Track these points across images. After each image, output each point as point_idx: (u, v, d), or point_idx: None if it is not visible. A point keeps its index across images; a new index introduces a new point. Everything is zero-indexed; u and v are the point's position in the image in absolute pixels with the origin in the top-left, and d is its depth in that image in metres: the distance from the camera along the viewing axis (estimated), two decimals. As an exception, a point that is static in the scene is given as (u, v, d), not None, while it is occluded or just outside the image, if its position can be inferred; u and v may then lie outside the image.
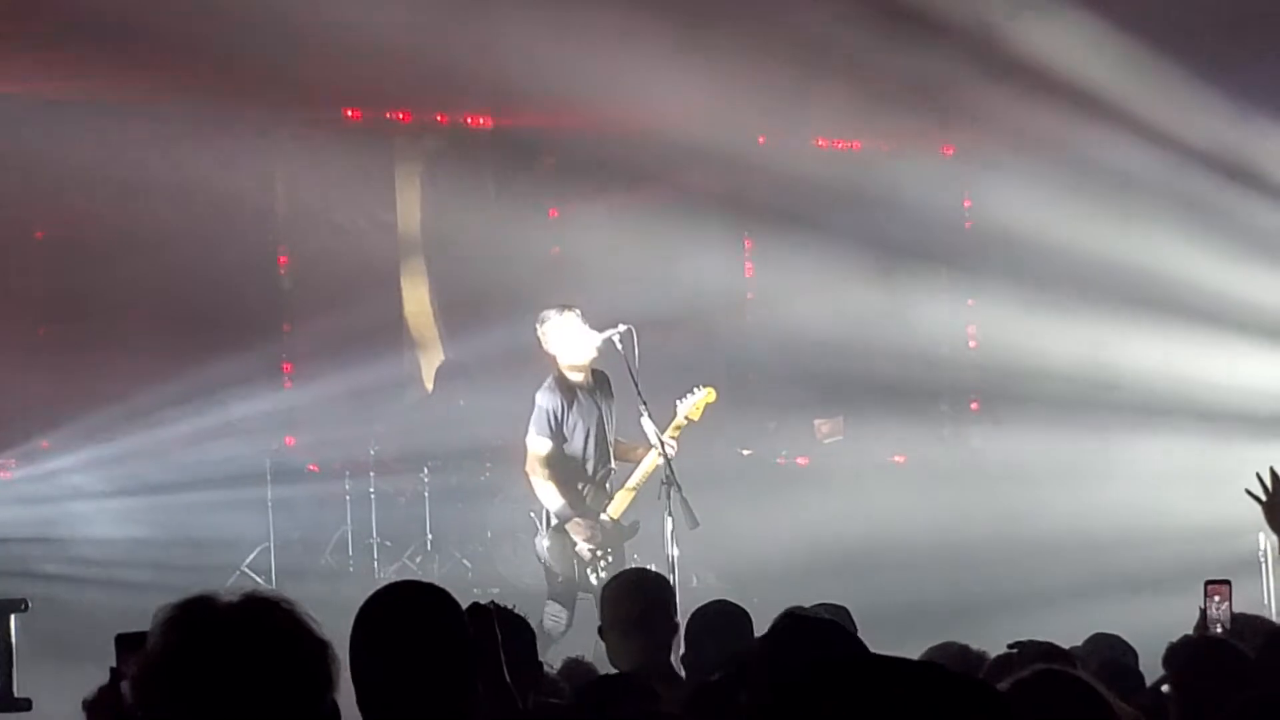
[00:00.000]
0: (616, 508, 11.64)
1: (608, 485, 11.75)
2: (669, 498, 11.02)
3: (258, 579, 15.45)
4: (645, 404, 11.28)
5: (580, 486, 11.65)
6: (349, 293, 16.92)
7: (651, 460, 11.52)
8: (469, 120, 18.12)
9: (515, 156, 17.76)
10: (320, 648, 3.43)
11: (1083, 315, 17.82)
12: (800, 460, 18.64)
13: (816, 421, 18.81)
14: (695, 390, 11.66)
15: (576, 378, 11.61)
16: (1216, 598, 6.60)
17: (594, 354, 11.61)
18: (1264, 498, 7.26)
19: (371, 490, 16.33)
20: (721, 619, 7.11)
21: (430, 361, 17.92)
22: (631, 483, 11.71)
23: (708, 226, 17.86)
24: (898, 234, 17.99)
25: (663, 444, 11.23)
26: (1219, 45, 16.87)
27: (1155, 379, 17.64)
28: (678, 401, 11.56)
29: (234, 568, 15.42)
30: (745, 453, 18.24)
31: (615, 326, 11.43)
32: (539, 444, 11.54)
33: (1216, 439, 17.01)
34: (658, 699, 5.50)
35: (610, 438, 11.75)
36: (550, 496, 11.51)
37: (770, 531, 16.22)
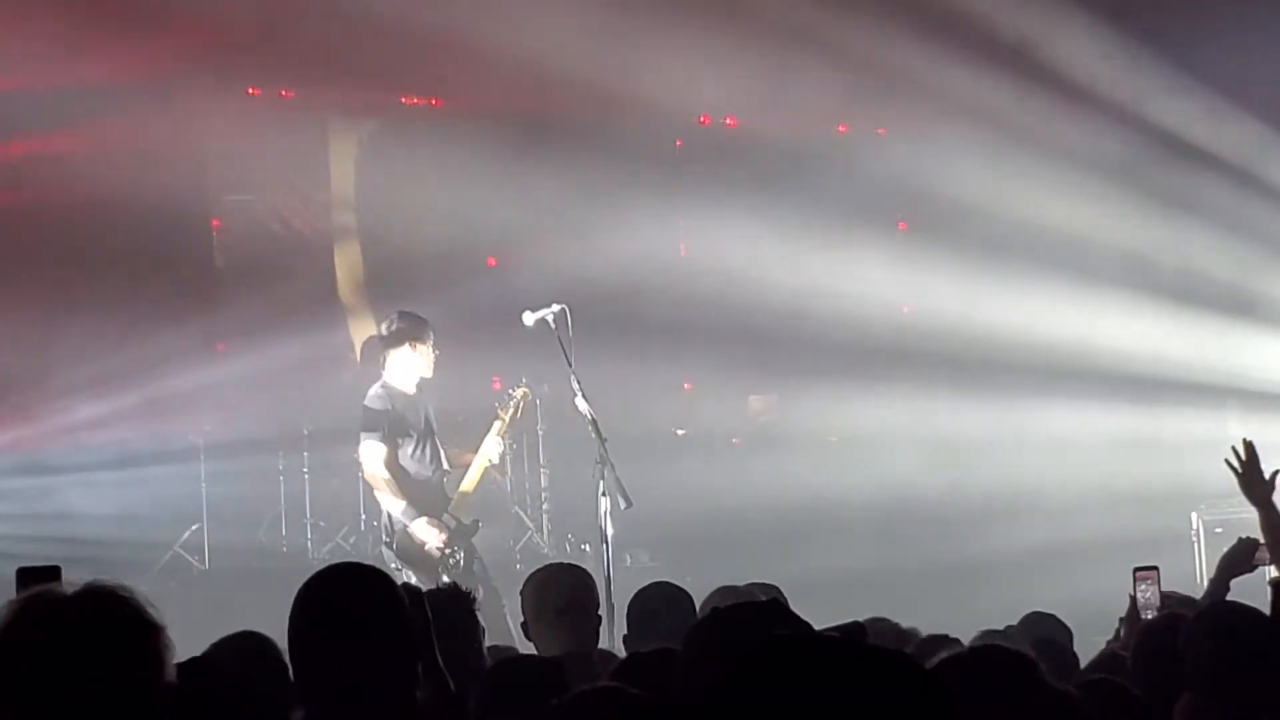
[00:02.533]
0: (456, 509, 11.75)
1: (442, 494, 11.88)
2: (602, 478, 11.02)
3: (191, 559, 15.40)
4: (580, 384, 11.27)
5: (419, 489, 11.74)
6: (282, 271, 16.88)
7: (481, 462, 11.79)
8: (406, 101, 18.10)
9: (453, 135, 17.71)
10: (151, 633, 3.52)
11: (1018, 284, 17.78)
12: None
13: (751, 398, 18.83)
14: (512, 390, 11.89)
15: (403, 384, 11.81)
16: (1145, 583, 6.68)
17: (417, 384, 11.80)
18: (1239, 469, 7.35)
19: (306, 470, 16.28)
20: (663, 600, 7.11)
21: (362, 338, 17.89)
22: (462, 489, 11.87)
23: (643, 196, 17.81)
24: (831, 205, 17.95)
25: (597, 425, 11.22)
26: (1153, 13, 16.98)
27: (1090, 348, 17.67)
28: (496, 404, 11.88)
29: (168, 546, 15.36)
30: (680, 432, 18.26)
31: (549, 306, 11.44)
32: (374, 449, 11.72)
33: (1151, 409, 17.11)
34: (563, 679, 5.47)
35: (439, 449, 11.89)
36: (391, 501, 11.69)
37: (702, 509, 16.26)
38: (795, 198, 17.95)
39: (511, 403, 11.92)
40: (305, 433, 16.37)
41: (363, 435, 11.74)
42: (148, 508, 15.57)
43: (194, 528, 15.66)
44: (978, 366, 17.73)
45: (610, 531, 11.01)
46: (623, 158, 17.44)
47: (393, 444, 11.67)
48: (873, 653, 2.40)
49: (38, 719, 3.44)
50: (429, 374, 11.84)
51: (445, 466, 11.94)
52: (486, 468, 11.90)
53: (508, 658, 6.12)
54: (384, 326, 11.94)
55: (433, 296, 15.02)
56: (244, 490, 16.18)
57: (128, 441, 15.78)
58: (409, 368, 11.82)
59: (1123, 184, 17.76)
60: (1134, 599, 6.68)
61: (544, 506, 16.20)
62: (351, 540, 16.07)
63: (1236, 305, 17.46)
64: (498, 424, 11.88)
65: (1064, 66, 17.17)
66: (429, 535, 11.59)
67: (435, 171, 17.27)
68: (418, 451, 11.79)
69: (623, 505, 10.93)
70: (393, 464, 11.68)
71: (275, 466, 16.35)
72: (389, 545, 11.75)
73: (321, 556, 15.49)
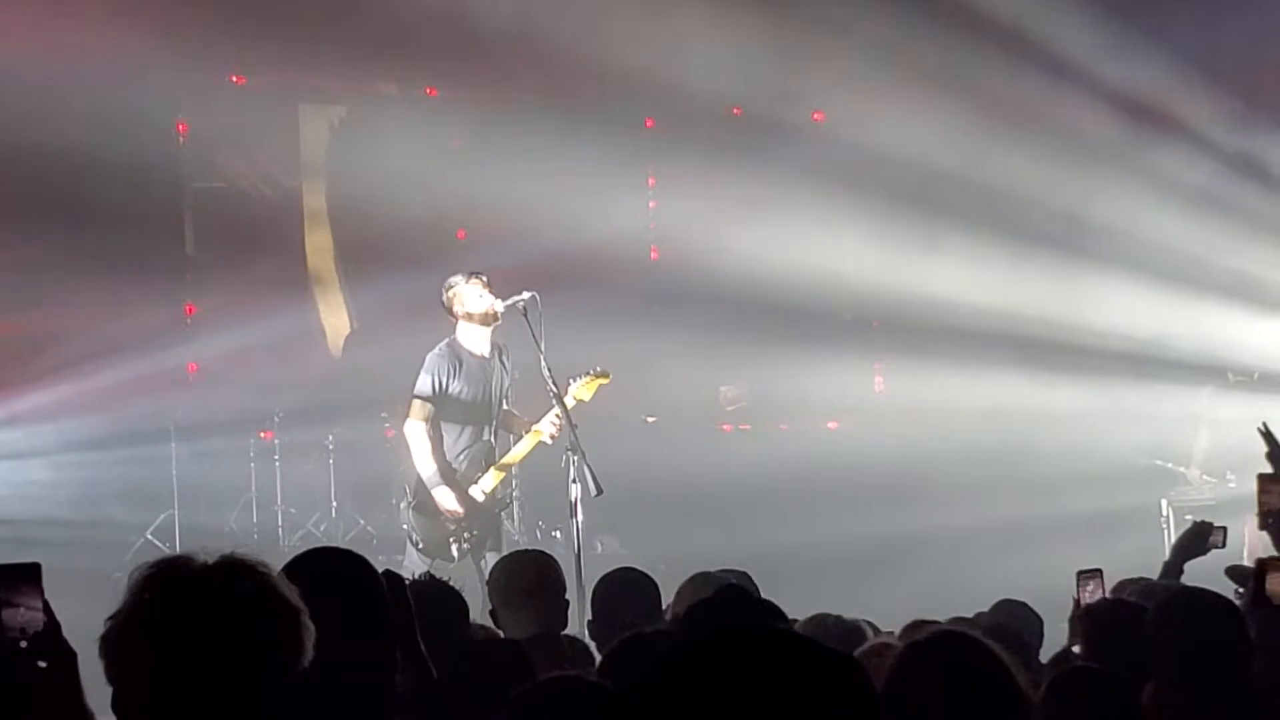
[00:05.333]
0: (488, 483, 11.61)
1: (484, 458, 11.72)
2: (573, 464, 11.02)
3: (162, 546, 15.34)
4: (551, 372, 11.25)
5: (454, 455, 11.62)
6: (253, 255, 16.88)
7: (530, 442, 11.53)
8: (376, 88, 18.10)
9: (423, 119, 17.69)
10: (293, 613, 3.46)
11: (993, 255, 17.73)
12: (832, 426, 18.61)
13: (721, 389, 18.81)
14: (592, 371, 11.64)
15: (473, 344, 11.60)
16: (1089, 586, 6.74)
17: (490, 334, 11.62)
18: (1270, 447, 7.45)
19: (277, 458, 16.24)
20: (628, 585, 7.14)
21: (333, 324, 17.89)
22: (505, 460, 11.72)
23: (612, 171, 17.76)
24: (798, 169, 17.92)
25: (567, 412, 11.21)
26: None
27: (1061, 322, 17.63)
28: (570, 380, 11.52)
29: (139, 531, 15.31)
30: (650, 420, 18.25)
31: (519, 294, 11.42)
32: (419, 405, 11.57)
33: (1126, 382, 17.10)
34: (528, 666, 5.48)
35: (495, 410, 11.73)
36: (422, 461, 11.52)
37: (673, 495, 16.28)
38: (765, 179, 17.94)
39: (583, 383, 11.59)
40: (276, 418, 16.33)
41: (414, 386, 11.61)
42: (119, 491, 15.53)
43: (165, 514, 15.62)
44: (950, 339, 17.72)
45: (581, 518, 11.03)
46: (593, 138, 17.41)
47: (439, 401, 11.53)
48: (808, 646, 2.43)
49: (166, 699, 3.35)
50: (487, 309, 11.59)
51: (489, 438, 11.75)
52: (538, 443, 11.60)
53: (472, 642, 6.13)
54: (444, 293, 11.76)
55: (404, 279, 15.01)
56: (215, 475, 16.13)
57: (98, 424, 15.72)
58: (465, 326, 11.68)
59: (1093, 156, 17.76)
60: (1077, 602, 6.72)
61: (514, 493, 16.18)
62: (322, 527, 16.05)
63: (1213, 283, 17.41)
64: (569, 401, 11.43)
65: (1036, 36, 17.14)
66: (449, 504, 11.48)
67: (405, 155, 17.25)
68: (463, 414, 11.65)
69: (594, 492, 10.93)
70: (433, 422, 11.55)
71: (246, 451, 16.32)
72: (410, 505, 11.65)
73: (293, 544, 15.46)
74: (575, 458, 11.00)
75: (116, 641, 3.40)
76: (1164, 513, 15.32)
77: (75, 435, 15.71)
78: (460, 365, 11.57)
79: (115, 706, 3.42)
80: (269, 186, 17.69)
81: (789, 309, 17.84)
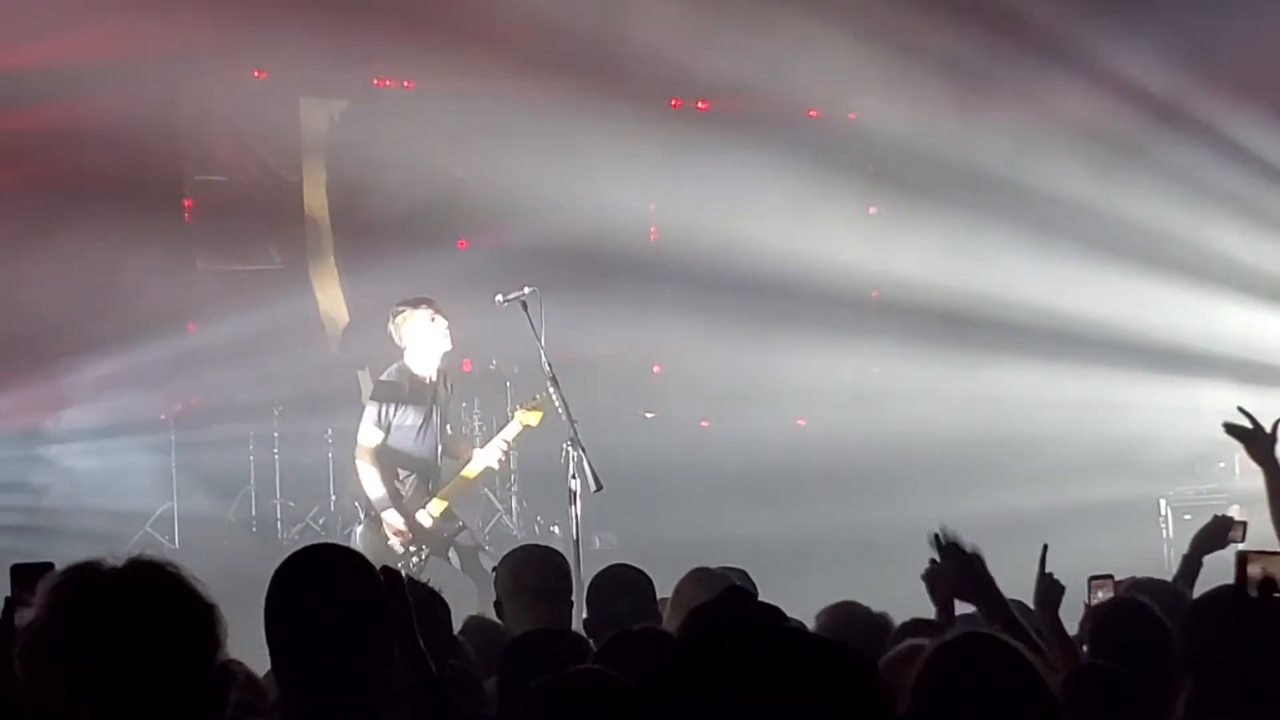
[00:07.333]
0: (435, 507, 11.80)
1: (430, 484, 11.98)
2: (572, 460, 11.03)
3: (161, 538, 15.35)
4: (551, 366, 11.27)
5: (401, 481, 11.85)
6: (253, 248, 16.89)
7: (476, 467, 11.91)
8: (378, 82, 18.12)
9: (423, 114, 17.71)
10: (206, 610, 3.44)
11: (991, 245, 17.71)
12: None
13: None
14: (535, 397, 11.89)
15: (421, 369, 11.84)
16: (1100, 592, 6.73)
17: (439, 360, 11.86)
18: (1242, 434, 7.32)
19: (276, 451, 16.25)
20: (620, 581, 7.13)
21: (332, 316, 17.90)
22: (452, 485, 12.02)
23: (614, 177, 17.75)
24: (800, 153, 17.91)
25: (567, 406, 11.21)
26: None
27: (1060, 312, 17.58)
28: (517, 406, 11.90)
29: (138, 524, 15.30)
30: (648, 415, 18.25)
31: (521, 289, 11.43)
32: (367, 435, 11.91)
33: (1122, 374, 17.09)
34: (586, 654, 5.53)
35: (441, 438, 11.93)
36: (372, 485, 11.85)
37: (671, 491, 16.27)
38: (767, 177, 17.92)
39: (528, 413, 11.96)
40: (276, 412, 16.33)
41: (361, 417, 11.93)
42: (118, 484, 15.53)
43: (164, 507, 15.63)
44: (949, 328, 17.70)
45: (579, 514, 11.04)
46: (595, 138, 17.40)
47: (385, 431, 11.77)
48: (819, 645, 2.43)
49: (88, 704, 3.33)
50: (445, 346, 11.91)
51: (438, 462, 12.02)
52: (484, 470, 12.05)
53: (531, 632, 6.14)
54: (390, 320, 12.01)
55: (403, 275, 15.02)
56: (214, 468, 16.15)
57: (98, 417, 15.73)
58: (416, 349, 11.91)
59: (1091, 145, 17.73)
60: (1089, 607, 6.70)
61: (513, 488, 16.20)
62: (321, 521, 16.04)
63: (1206, 272, 17.36)
64: (513, 427, 12.00)
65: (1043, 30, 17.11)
66: (394, 530, 11.73)
67: (405, 150, 17.26)
68: (410, 442, 11.92)
69: (593, 488, 10.95)
70: (381, 450, 11.83)
71: (246, 445, 16.32)
72: (363, 527, 11.84)
73: (291, 537, 15.49)
74: (575, 453, 11.02)
75: (36, 652, 3.38)
76: (1162, 513, 15.32)
77: (73, 427, 15.72)
78: (405, 395, 11.81)
79: (34, 714, 3.40)
80: (269, 179, 17.73)
81: (785, 299, 17.82)
